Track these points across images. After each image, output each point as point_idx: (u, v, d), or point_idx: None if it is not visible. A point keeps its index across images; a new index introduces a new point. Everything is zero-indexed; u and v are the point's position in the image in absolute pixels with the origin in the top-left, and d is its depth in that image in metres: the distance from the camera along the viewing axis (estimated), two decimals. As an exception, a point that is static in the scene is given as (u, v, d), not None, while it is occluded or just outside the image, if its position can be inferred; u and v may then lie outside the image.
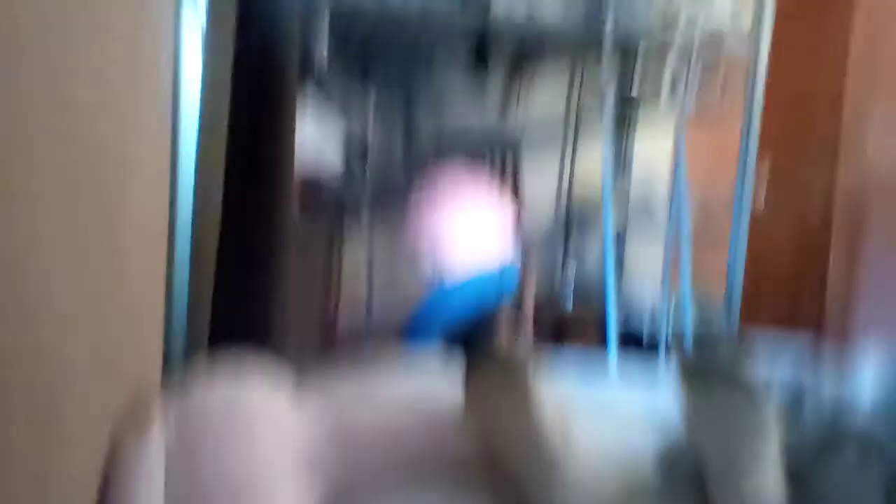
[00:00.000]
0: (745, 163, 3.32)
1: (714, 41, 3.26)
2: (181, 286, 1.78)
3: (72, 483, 0.88)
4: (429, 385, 1.74)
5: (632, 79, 4.09)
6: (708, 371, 1.34)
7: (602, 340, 3.24)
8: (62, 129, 0.74)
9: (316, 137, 3.08)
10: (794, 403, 1.70)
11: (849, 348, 3.87)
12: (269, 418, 1.20)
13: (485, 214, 3.04)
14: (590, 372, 2.28)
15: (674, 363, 1.38)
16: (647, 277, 4.30)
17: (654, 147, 4.32)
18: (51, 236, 0.70)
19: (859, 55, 4.19)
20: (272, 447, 1.14)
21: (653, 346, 3.51)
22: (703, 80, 3.59)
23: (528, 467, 1.24)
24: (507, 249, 2.93)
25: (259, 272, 1.66)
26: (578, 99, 4.36)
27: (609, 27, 3.10)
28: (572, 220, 4.35)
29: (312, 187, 3.00)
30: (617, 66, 3.74)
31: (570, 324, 3.71)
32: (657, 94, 3.94)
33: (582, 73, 4.17)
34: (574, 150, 4.36)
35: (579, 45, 3.49)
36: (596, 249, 4.38)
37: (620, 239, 3.89)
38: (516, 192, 3.12)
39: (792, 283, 4.55)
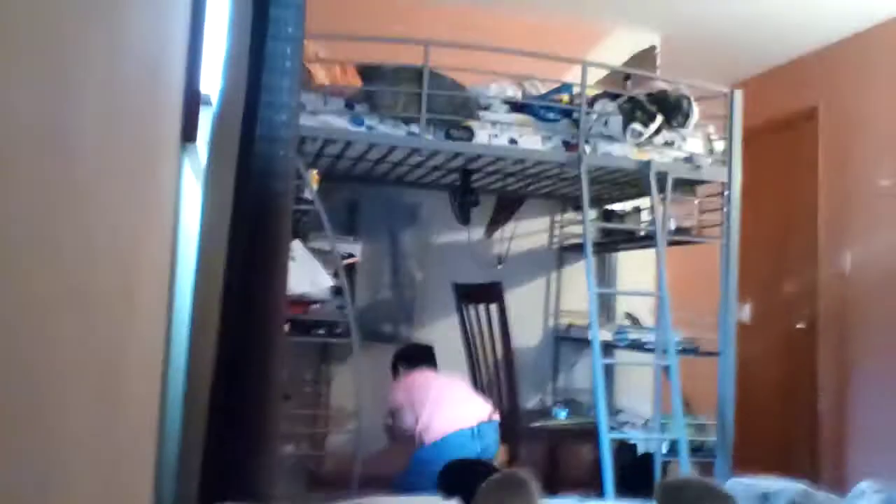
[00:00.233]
0: (728, 278, 3.41)
1: (690, 165, 3.39)
2: (173, 428, 1.79)
3: None
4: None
5: (612, 200, 4.26)
6: (685, 497, 1.36)
7: (596, 450, 3.22)
8: (78, 274, 0.79)
9: (306, 264, 3.15)
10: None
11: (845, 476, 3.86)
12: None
13: (455, 388, 3.18)
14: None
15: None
16: (638, 390, 4.32)
17: (639, 265, 4.43)
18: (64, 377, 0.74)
19: (828, 174, 4.37)
20: None
21: (648, 458, 3.47)
22: (683, 201, 3.72)
23: None
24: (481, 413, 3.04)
25: (251, 404, 1.68)
26: (562, 221, 4.52)
27: (586, 158, 3.23)
28: (561, 337, 4.41)
29: (303, 309, 3.04)
30: (598, 191, 3.90)
31: (564, 435, 3.69)
32: (638, 215, 4.08)
33: (564, 199, 4.35)
34: (560, 271, 4.48)
35: (561, 174, 3.62)
36: (586, 364, 4.42)
37: (610, 354, 3.92)
38: (503, 324, 3.17)
39: (784, 386, 4.57)
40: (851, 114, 4.24)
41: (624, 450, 3.95)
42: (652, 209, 3.39)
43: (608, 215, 4.20)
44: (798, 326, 4.48)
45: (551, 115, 3.32)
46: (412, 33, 3.30)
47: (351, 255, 3.61)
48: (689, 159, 3.42)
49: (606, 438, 3.01)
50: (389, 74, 3.12)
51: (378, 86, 3.11)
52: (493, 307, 3.21)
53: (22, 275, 0.66)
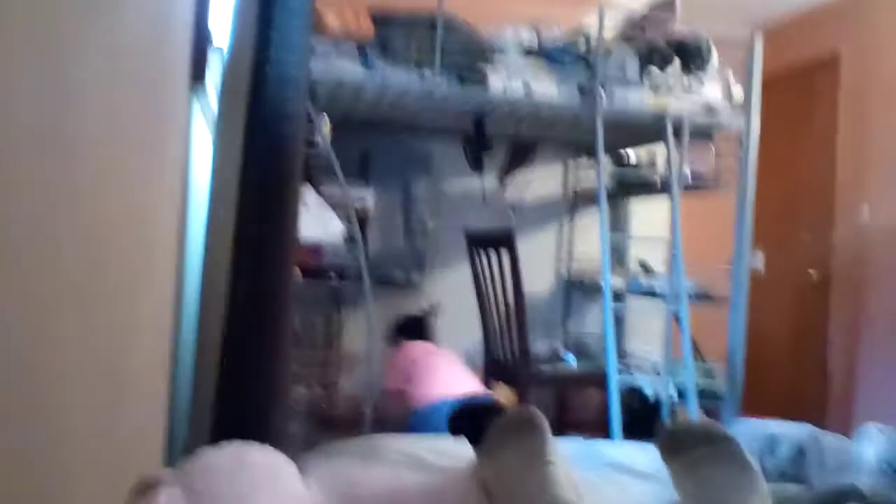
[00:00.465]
0: (742, 227, 3.39)
1: (707, 112, 3.35)
2: (185, 363, 1.83)
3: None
4: (431, 453, 1.77)
5: (627, 146, 4.22)
6: (684, 441, 1.37)
7: (604, 394, 3.26)
8: (85, 231, 0.79)
9: (319, 210, 3.15)
10: (797, 462, 1.72)
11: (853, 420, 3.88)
12: (276, 477, 1.22)
13: (447, 361, 3.18)
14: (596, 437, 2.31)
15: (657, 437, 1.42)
16: (648, 337, 4.34)
17: (652, 213, 4.40)
18: (63, 336, 0.74)
19: (848, 124, 4.29)
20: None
21: (656, 402, 3.51)
22: (699, 149, 3.67)
23: None
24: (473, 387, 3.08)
25: (263, 347, 1.70)
26: (575, 168, 4.48)
27: (602, 103, 3.19)
28: (572, 284, 4.42)
29: (315, 255, 3.06)
30: (613, 137, 3.85)
31: (573, 380, 3.72)
32: (654, 163, 4.04)
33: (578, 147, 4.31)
34: (573, 218, 4.46)
35: (575, 120, 3.58)
36: (597, 310, 4.43)
37: (620, 300, 3.93)
38: (514, 271, 3.18)
39: (794, 339, 4.58)
40: (874, 61, 4.14)
41: (632, 394, 3.99)
42: (667, 157, 3.36)
43: (622, 162, 4.16)
44: (811, 278, 4.46)
45: (567, 60, 3.26)
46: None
47: (363, 203, 3.61)
48: (706, 107, 3.36)
49: (615, 381, 3.04)
50: (403, 22, 3.07)
51: (391, 31, 3.06)
52: (505, 254, 3.21)
53: (34, 218, 0.66)
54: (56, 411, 0.77)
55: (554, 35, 3.38)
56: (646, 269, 4.16)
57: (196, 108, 1.72)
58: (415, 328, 3.50)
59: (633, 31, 3.55)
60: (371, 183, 3.92)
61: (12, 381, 0.63)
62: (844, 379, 4.17)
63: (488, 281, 3.40)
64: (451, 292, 4.07)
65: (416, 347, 3.27)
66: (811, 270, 4.46)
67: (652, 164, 4.00)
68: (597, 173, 3.27)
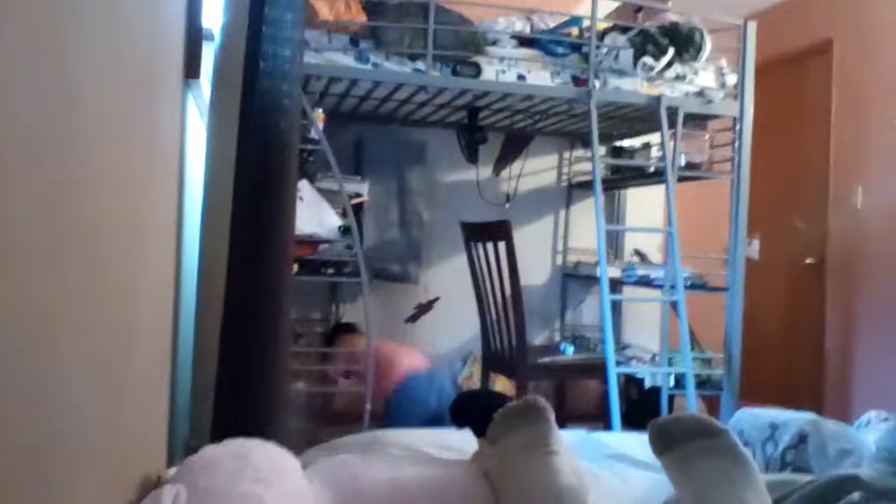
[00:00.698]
0: (737, 214, 3.39)
1: (701, 99, 3.34)
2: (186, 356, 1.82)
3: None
4: (433, 447, 1.77)
5: (622, 137, 4.21)
6: (676, 435, 1.37)
7: (603, 385, 3.27)
8: (83, 220, 0.79)
9: (314, 203, 3.14)
10: (799, 449, 1.73)
11: (849, 407, 3.90)
12: (279, 473, 1.21)
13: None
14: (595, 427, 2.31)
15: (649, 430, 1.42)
16: (645, 326, 4.35)
17: (648, 202, 4.41)
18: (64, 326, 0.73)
19: (841, 109, 4.30)
20: (282, 500, 1.15)
21: (654, 392, 3.52)
22: (694, 137, 3.67)
23: None
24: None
25: (260, 341, 1.70)
26: (570, 159, 4.48)
27: (596, 92, 3.18)
28: (569, 274, 4.42)
29: (311, 249, 3.05)
30: (607, 127, 3.85)
31: (571, 371, 3.73)
32: (648, 151, 4.04)
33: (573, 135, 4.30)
34: (568, 208, 4.46)
35: (569, 110, 3.57)
36: (594, 301, 4.44)
37: (617, 290, 3.93)
38: (511, 262, 3.18)
39: (790, 325, 4.59)
40: (867, 47, 4.14)
41: (631, 384, 4.00)
42: (662, 145, 3.35)
43: (617, 152, 4.16)
44: (807, 262, 4.47)
45: (560, 50, 3.25)
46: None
47: (358, 195, 3.60)
48: (700, 93, 3.36)
49: (613, 372, 3.04)
50: (394, 9, 3.05)
51: (383, 21, 3.04)
52: (501, 245, 3.21)
53: (34, 218, 0.65)
54: (57, 411, 0.76)
55: (547, 24, 3.36)
56: (642, 258, 4.17)
57: (190, 102, 1.71)
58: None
59: (627, 19, 3.54)
60: (366, 175, 3.90)
61: (12, 381, 0.63)
62: (841, 364, 4.19)
63: (485, 272, 3.40)
64: (447, 284, 4.07)
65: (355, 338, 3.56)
66: (807, 257, 4.47)
67: (646, 150, 3.99)
68: (593, 163, 3.26)
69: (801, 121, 4.61)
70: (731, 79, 3.41)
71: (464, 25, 3.14)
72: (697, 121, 3.57)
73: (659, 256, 4.27)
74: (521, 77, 3.17)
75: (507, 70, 3.17)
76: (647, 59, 3.18)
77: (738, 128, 3.40)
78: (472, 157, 4.00)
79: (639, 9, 3.59)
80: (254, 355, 1.56)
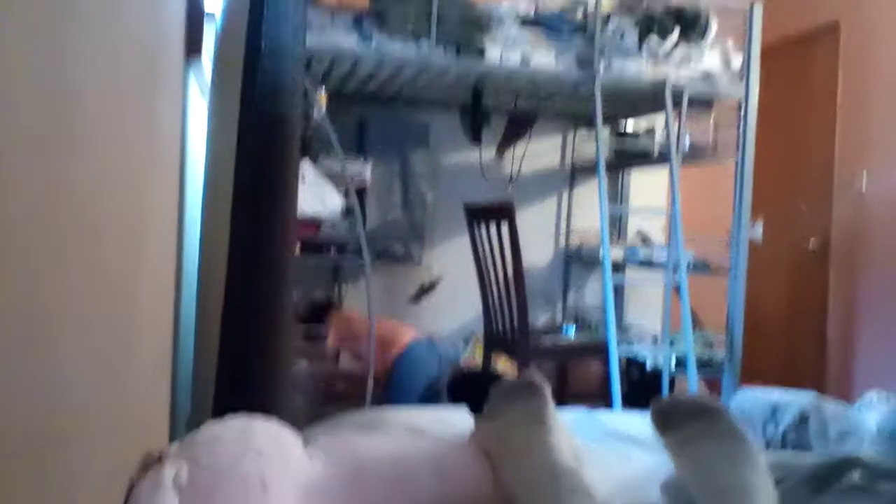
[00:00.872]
0: (741, 197, 3.38)
1: (707, 81, 3.33)
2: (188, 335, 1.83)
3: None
4: (433, 424, 1.78)
5: (626, 119, 4.19)
6: (677, 415, 1.37)
7: (604, 366, 3.28)
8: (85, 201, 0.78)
9: (317, 184, 3.14)
10: (800, 430, 1.73)
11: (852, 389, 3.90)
12: (281, 449, 1.22)
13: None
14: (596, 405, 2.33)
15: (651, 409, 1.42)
16: (647, 308, 4.36)
17: (651, 184, 4.40)
18: (67, 306, 0.73)
19: (848, 92, 4.27)
20: (284, 477, 1.16)
21: (656, 374, 3.53)
22: (698, 119, 3.66)
23: (543, 489, 1.28)
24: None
25: (262, 316, 1.70)
26: (574, 140, 4.46)
27: (600, 73, 3.17)
28: (572, 256, 4.43)
29: (313, 230, 3.06)
30: (612, 108, 3.83)
31: (573, 352, 3.74)
32: (653, 133, 4.02)
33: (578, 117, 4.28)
34: (572, 190, 4.45)
35: (573, 91, 3.55)
36: (596, 283, 4.44)
37: (620, 272, 3.94)
38: (514, 243, 3.18)
39: (792, 308, 4.59)
40: (874, 30, 4.11)
41: (632, 366, 4.00)
42: (666, 127, 3.34)
43: (622, 134, 4.15)
44: (810, 247, 4.46)
45: (565, 31, 3.23)
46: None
47: (361, 176, 3.60)
48: (705, 76, 3.34)
49: (615, 353, 3.05)
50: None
51: (386, 1, 3.02)
52: (504, 227, 3.21)
53: (35, 217, 0.65)
54: (60, 393, 0.77)
55: (552, 4, 3.34)
56: (645, 240, 4.17)
57: (192, 82, 1.70)
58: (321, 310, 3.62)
59: (633, 0, 3.51)
60: (368, 156, 3.90)
61: (14, 381, 0.63)
62: (843, 347, 4.19)
63: (487, 253, 3.40)
64: (450, 265, 4.07)
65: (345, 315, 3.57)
66: (811, 241, 4.46)
67: (651, 133, 3.98)
68: (597, 145, 3.25)
69: (806, 104, 4.58)
70: (737, 61, 3.39)
71: (468, 6, 3.12)
72: (702, 103, 3.55)
73: (662, 238, 4.26)
74: (525, 58, 3.15)
75: (511, 51, 3.15)
76: (653, 41, 3.17)
77: (743, 110, 3.38)
78: (476, 139, 3.99)
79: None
80: (255, 333, 1.56)
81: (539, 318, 4.31)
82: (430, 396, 3.44)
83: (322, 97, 3.05)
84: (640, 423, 1.85)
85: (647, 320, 4.29)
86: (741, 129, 3.39)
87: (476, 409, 1.54)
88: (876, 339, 3.97)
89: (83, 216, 0.82)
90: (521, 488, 1.33)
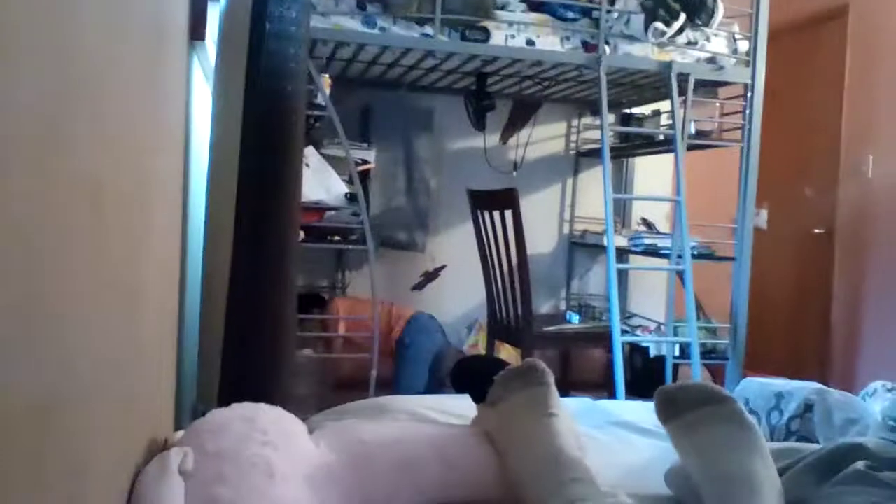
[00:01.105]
0: (747, 183, 3.36)
1: (713, 66, 3.30)
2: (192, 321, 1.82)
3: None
4: (437, 412, 1.78)
5: (631, 104, 4.17)
6: (681, 402, 1.37)
7: (608, 354, 3.28)
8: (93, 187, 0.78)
9: (321, 170, 3.12)
10: (804, 419, 1.73)
11: (856, 375, 3.90)
12: (286, 436, 1.22)
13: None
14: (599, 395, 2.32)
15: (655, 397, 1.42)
16: (651, 295, 4.35)
17: (656, 170, 4.38)
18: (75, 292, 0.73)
19: (855, 76, 4.23)
20: (289, 463, 1.16)
21: (660, 361, 3.53)
22: (704, 104, 3.63)
23: (547, 476, 1.28)
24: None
25: (266, 295, 1.70)
26: (579, 126, 4.44)
27: (606, 58, 3.14)
28: (576, 243, 4.41)
29: (317, 216, 3.05)
30: (617, 94, 3.80)
31: (577, 339, 3.74)
32: (658, 119, 3.99)
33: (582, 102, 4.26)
34: (576, 176, 4.43)
35: (579, 76, 3.53)
36: (600, 270, 4.43)
37: (624, 259, 3.92)
38: (518, 230, 3.17)
39: (797, 295, 4.58)
40: (883, 14, 4.06)
41: (636, 354, 4.00)
42: (672, 112, 3.31)
43: (627, 119, 4.12)
44: (816, 232, 4.44)
45: (570, 14, 3.20)
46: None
47: (365, 162, 3.58)
48: (711, 60, 3.31)
49: (619, 341, 3.05)
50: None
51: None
52: (508, 213, 3.19)
53: (36, 167, 0.64)
54: (64, 376, 0.76)
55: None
56: (649, 227, 4.15)
57: (196, 65, 1.69)
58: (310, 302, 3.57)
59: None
60: (372, 141, 3.88)
61: (16, 368, 0.62)
62: (847, 335, 4.18)
63: (491, 240, 3.39)
64: (454, 252, 4.07)
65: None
66: (816, 227, 4.44)
67: (656, 118, 3.95)
68: (602, 130, 3.23)
69: (813, 88, 4.54)
70: (744, 45, 3.36)
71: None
72: (708, 88, 3.52)
73: (666, 225, 4.25)
74: (530, 42, 3.13)
75: (516, 35, 3.13)
76: (659, 25, 3.14)
77: (749, 95, 3.35)
78: (480, 124, 3.97)
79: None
80: (260, 320, 1.56)
81: (543, 305, 4.30)
82: (436, 368, 3.50)
83: (326, 82, 3.03)
84: (643, 411, 1.85)
85: (651, 308, 4.29)
86: (747, 114, 3.37)
87: (480, 396, 1.54)
88: (881, 325, 3.96)
89: (86, 198, 0.81)
90: (525, 475, 1.33)
